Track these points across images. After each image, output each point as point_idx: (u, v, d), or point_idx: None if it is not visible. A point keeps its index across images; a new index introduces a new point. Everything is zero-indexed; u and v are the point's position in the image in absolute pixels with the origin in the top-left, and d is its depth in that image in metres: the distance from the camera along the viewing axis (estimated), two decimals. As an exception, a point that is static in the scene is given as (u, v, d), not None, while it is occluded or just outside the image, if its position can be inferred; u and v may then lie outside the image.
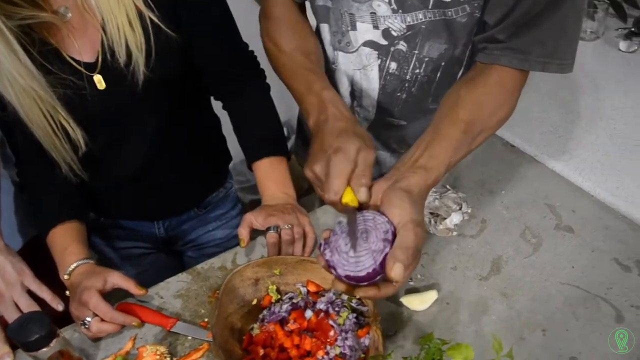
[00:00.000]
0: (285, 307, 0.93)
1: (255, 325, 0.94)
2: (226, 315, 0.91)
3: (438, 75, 1.11)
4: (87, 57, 1.02)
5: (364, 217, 0.76)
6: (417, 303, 0.98)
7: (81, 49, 1.02)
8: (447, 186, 1.18)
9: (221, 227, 1.41)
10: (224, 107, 1.24)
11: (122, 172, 1.17)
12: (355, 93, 1.18)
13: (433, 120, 0.90)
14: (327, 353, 0.85)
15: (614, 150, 1.23)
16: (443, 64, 1.08)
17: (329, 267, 0.75)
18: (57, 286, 1.05)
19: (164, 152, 1.18)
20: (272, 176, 1.17)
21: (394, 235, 0.73)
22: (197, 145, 1.26)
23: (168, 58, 1.05)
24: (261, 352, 0.87)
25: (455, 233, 1.10)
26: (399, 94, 1.15)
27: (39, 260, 1.09)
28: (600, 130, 1.29)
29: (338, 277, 0.75)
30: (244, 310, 0.95)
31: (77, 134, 1.03)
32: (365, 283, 0.73)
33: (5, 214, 1.18)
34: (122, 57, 1.00)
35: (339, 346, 0.85)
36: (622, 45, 1.54)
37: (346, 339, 0.86)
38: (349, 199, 0.78)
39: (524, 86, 0.94)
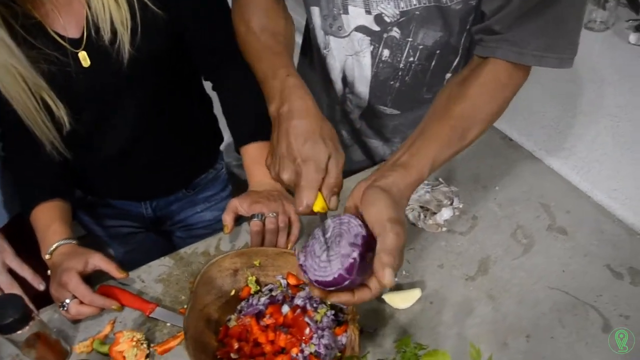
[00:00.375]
0: (263, 300, 0.92)
1: (233, 317, 0.92)
2: (202, 307, 0.89)
3: (433, 64, 1.07)
4: (72, 32, 0.99)
5: (340, 221, 0.74)
6: (400, 301, 0.96)
7: (66, 24, 0.99)
8: (440, 179, 1.15)
9: (210, 208, 1.39)
10: (214, 88, 1.21)
11: (107, 151, 1.15)
12: (348, 79, 1.14)
13: (423, 119, 0.87)
14: (301, 351, 0.83)
15: (614, 149, 1.19)
16: (438, 52, 1.04)
17: (302, 271, 0.74)
18: (41, 265, 1.04)
19: (150, 132, 1.15)
20: (260, 161, 1.13)
21: (365, 238, 0.71)
22: (186, 125, 1.23)
23: (154, 36, 1.01)
24: (236, 345, 0.86)
25: (444, 229, 1.08)
26: (392, 83, 1.11)
27: (24, 237, 1.08)
28: (602, 128, 1.24)
29: (310, 282, 0.73)
30: (221, 300, 0.93)
31: (61, 112, 1.01)
32: (333, 288, 0.71)
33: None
34: (107, 34, 0.97)
35: (314, 344, 0.83)
36: (632, 37, 1.48)
37: (322, 337, 0.84)
38: (319, 207, 0.77)
39: (522, 82, 0.90)
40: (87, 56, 1.00)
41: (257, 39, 0.95)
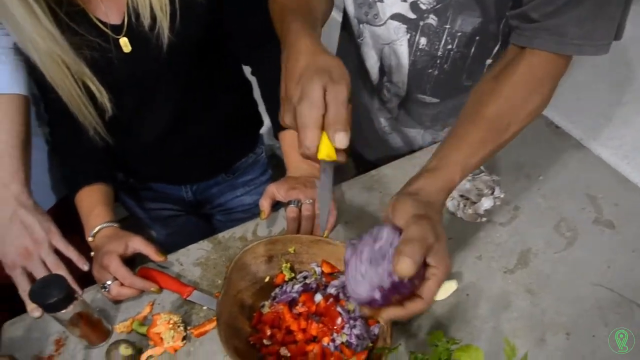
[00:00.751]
0: (296, 287, 0.92)
1: (267, 303, 0.93)
2: (236, 292, 0.90)
3: (472, 50, 1.03)
4: (114, 19, 1.01)
5: (388, 235, 0.72)
6: (435, 292, 0.94)
7: (107, 11, 1.00)
8: (482, 167, 1.12)
9: (249, 192, 1.40)
10: (252, 73, 1.21)
11: (148, 136, 1.17)
12: (385, 68, 1.12)
13: (457, 120, 0.84)
14: (333, 340, 0.83)
15: (669, 139, 1.12)
16: (477, 38, 1.00)
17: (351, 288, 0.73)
18: (86, 246, 1.08)
19: (189, 117, 1.17)
20: (296, 145, 1.13)
21: None
22: (225, 110, 1.23)
23: (193, 21, 1.02)
24: (268, 332, 0.87)
25: (484, 219, 1.05)
26: (430, 71, 1.08)
27: (70, 219, 1.11)
28: (657, 116, 1.18)
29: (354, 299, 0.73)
30: (255, 287, 0.94)
31: (104, 98, 1.03)
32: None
33: (39, 171, 1.20)
34: (146, 20, 0.98)
35: (346, 334, 0.83)
36: (697, 17, 1.38)
37: (354, 327, 0.84)
38: (324, 153, 0.71)
39: (563, 73, 0.86)
40: (128, 42, 1.02)
41: (281, 6, 0.90)
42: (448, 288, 0.94)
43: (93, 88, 1.01)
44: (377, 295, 0.69)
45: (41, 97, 1.16)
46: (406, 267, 0.66)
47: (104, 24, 1.00)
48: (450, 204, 1.07)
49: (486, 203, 1.06)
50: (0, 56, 1.05)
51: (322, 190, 0.78)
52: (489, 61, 1.07)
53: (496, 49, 1.03)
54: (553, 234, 1.01)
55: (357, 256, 0.72)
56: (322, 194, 0.81)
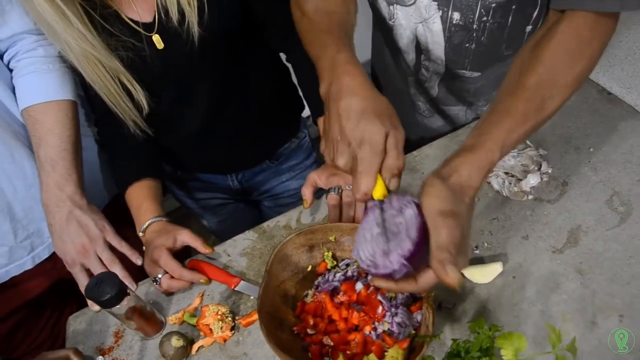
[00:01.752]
0: (338, 276, 0.92)
1: (310, 292, 0.94)
2: (278, 283, 0.92)
3: (510, 20, 0.98)
4: (145, 17, 1.03)
5: (397, 205, 0.72)
6: (480, 275, 0.93)
7: (139, 10, 1.03)
8: (527, 141, 1.08)
9: (295, 177, 1.41)
10: (287, 60, 1.21)
11: (189, 129, 1.19)
12: (421, 47, 1.08)
13: (495, 96, 0.80)
14: (374, 329, 0.84)
15: None
16: (514, 7, 0.95)
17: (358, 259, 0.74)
18: (138, 241, 1.13)
19: (229, 107, 1.18)
20: None
21: (420, 231, 0.68)
22: (263, 97, 1.24)
23: (222, 14, 1.03)
24: (311, 321, 0.88)
25: (530, 197, 1.01)
26: (467, 45, 1.03)
27: (124, 214, 1.16)
28: None
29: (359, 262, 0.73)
30: (298, 276, 0.95)
31: (140, 95, 1.06)
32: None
33: (92, 171, 1.26)
34: (175, 15, 1.00)
35: (387, 322, 0.83)
36: None
37: (395, 314, 0.84)
38: (380, 193, 0.72)
39: (611, 33, 0.80)
40: (160, 39, 1.04)
41: (310, 22, 0.89)
42: (493, 271, 0.92)
43: (129, 86, 1.04)
44: (380, 269, 0.70)
45: (87, 98, 1.21)
46: (454, 273, 0.65)
47: (136, 23, 1.02)
48: (494, 182, 1.04)
49: (532, 179, 1.02)
50: (48, 65, 1.09)
51: (368, 225, 0.76)
52: (529, 28, 1.01)
53: (535, 14, 0.98)
54: (605, 209, 0.97)
55: (372, 222, 0.73)
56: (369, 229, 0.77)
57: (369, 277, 0.74)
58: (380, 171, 0.72)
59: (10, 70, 1.11)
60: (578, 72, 0.78)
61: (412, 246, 0.67)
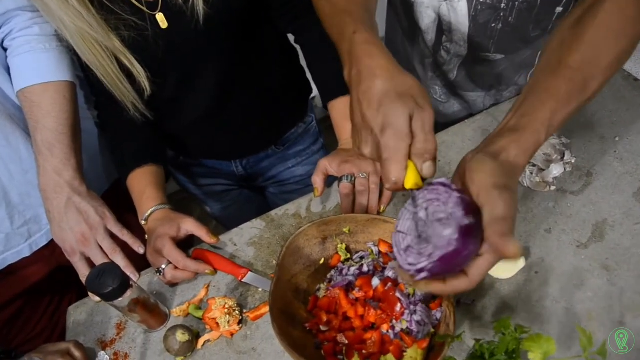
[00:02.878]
0: (352, 269, 0.88)
1: (322, 286, 0.90)
2: (290, 277, 0.87)
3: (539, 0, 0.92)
4: None
5: (435, 194, 0.65)
6: (501, 270, 0.88)
7: None
8: (550, 130, 1.03)
9: (301, 163, 1.36)
10: (296, 42, 1.15)
11: (193, 113, 1.14)
12: (444, 27, 1.02)
13: (534, 73, 0.74)
14: (392, 327, 0.80)
15: None
16: None
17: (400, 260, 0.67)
18: (141, 228, 1.08)
19: (234, 91, 1.13)
20: (347, 115, 1.07)
21: (466, 217, 0.61)
22: (270, 80, 1.19)
23: None
24: (325, 318, 0.84)
25: (553, 188, 0.97)
26: (493, 25, 0.98)
27: (125, 200, 1.11)
28: None
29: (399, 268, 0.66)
30: (310, 270, 0.91)
31: (142, 77, 1.00)
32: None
33: (92, 155, 1.21)
34: None
35: (406, 321, 0.79)
36: None
37: (414, 312, 0.79)
38: (412, 182, 0.66)
39: None
40: (164, 18, 0.98)
41: (328, 1, 0.83)
42: (514, 266, 0.88)
43: (130, 67, 0.99)
44: (423, 266, 0.63)
45: (86, 80, 1.15)
46: (515, 246, 0.58)
47: (139, 0, 0.96)
48: (514, 171, 0.99)
49: (555, 170, 0.97)
50: (44, 44, 1.04)
51: (405, 222, 0.70)
52: (559, 9, 0.96)
53: None
54: (632, 202, 0.92)
55: (410, 220, 0.67)
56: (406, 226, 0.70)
57: (400, 279, 0.67)
58: (410, 158, 0.66)
59: (5, 50, 1.06)
60: (621, 52, 0.73)
61: (458, 240, 0.60)
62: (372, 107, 0.67)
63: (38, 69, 1.03)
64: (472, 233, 0.61)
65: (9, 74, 1.06)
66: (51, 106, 1.03)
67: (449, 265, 0.62)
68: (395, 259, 0.67)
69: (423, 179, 0.67)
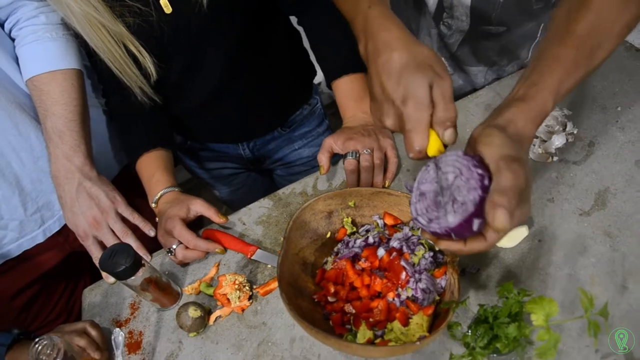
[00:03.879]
0: (358, 242, 0.90)
1: (329, 259, 0.92)
2: (297, 251, 0.89)
3: None
4: None
5: (456, 161, 0.67)
6: (505, 239, 0.88)
7: None
8: (551, 102, 1.03)
9: (308, 145, 1.37)
10: (299, 23, 1.16)
11: (199, 97, 1.16)
12: (444, 3, 1.03)
13: (541, 43, 0.75)
14: (398, 295, 0.81)
15: None
16: None
17: (414, 217, 0.69)
18: (151, 212, 1.10)
19: (239, 73, 1.14)
20: (352, 95, 1.09)
21: (484, 184, 0.63)
22: (274, 63, 1.20)
23: None
24: (332, 289, 0.86)
25: (555, 158, 0.98)
26: None
27: (135, 185, 1.14)
28: None
29: (421, 228, 0.69)
30: (317, 243, 0.93)
31: (148, 63, 1.02)
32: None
33: (101, 142, 1.23)
34: None
35: (411, 289, 0.81)
36: None
37: (419, 280, 0.81)
38: (434, 149, 0.68)
39: None
40: (168, 2, 0.99)
41: None
42: (518, 235, 0.88)
43: (136, 53, 1.00)
44: (444, 232, 0.66)
45: (93, 68, 1.17)
46: (504, 220, 0.61)
47: None
48: (517, 144, 1.00)
49: (557, 140, 0.98)
50: (51, 32, 1.05)
51: (426, 187, 0.71)
52: None
53: None
54: (634, 170, 0.93)
55: (430, 184, 0.69)
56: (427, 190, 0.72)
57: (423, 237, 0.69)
58: (432, 126, 0.68)
59: (13, 40, 1.08)
60: (628, 20, 0.73)
61: (476, 202, 0.63)
62: (392, 79, 0.69)
63: (46, 58, 1.05)
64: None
65: (18, 64, 1.08)
66: (60, 94, 1.05)
67: (466, 229, 0.64)
68: (417, 219, 0.69)
69: (445, 146, 0.69)
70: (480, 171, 0.63)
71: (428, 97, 0.67)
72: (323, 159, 1.03)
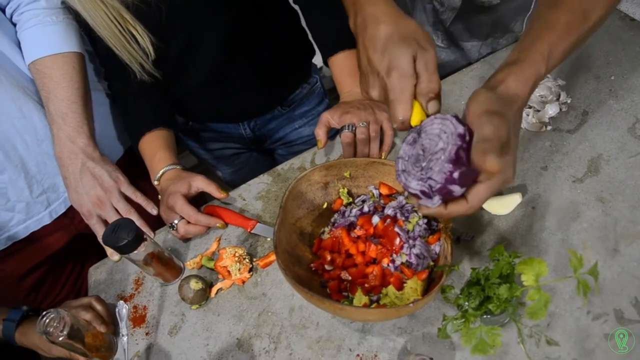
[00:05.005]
0: (354, 211, 0.91)
1: (326, 229, 0.93)
2: (294, 221, 0.91)
3: None
4: None
5: (438, 123, 0.67)
6: (498, 206, 0.90)
7: None
8: (545, 73, 1.04)
9: (308, 124, 1.38)
10: (294, 2, 1.17)
11: (198, 76, 1.17)
12: None
13: (534, 11, 0.75)
14: (392, 261, 0.83)
15: None
16: None
17: (400, 180, 0.70)
18: (153, 191, 1.12)
19: (237, 53, 1.15)
20: (348, 71, 1.10)
21: (465, 143, 0.64)
22: (273, 42, 1.21)
23: None
24: (328, 257, 0.88)
25: (549, 127, 0.99)
26: None
27: (139, 166, 1.16)
28: None
29: (407, 191, 0.69)
30: (314, 214, 0.94)
31: (146, 41, 1.03)
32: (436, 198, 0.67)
33: (104, 125, 1.25)
34: None
35: (405, 254, 0.82)
36: None
37: (413, 246, 0.83)
38: (418, 119, 0.69)
39: None
40: None
41: None
42: (511, 202, 0.90)
43: (135, 33, 1.02)
44: (426, 189, 0.66)
45: (94, 51, 1.19)
46: (494, 160, 0.61)
47: None
48: (511, 115, 1.01)
49: (551, 110, 0.99)
50: (51, 17, 1.07)
51: (408, 152, 0.72)
52: None
53: None
54: (627, 137, 0.94)
55: (412, 146, 0.70)
56: (409, 155, 0.73)
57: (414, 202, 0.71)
58: (416, 98, 0.69)
59: (14, 25, 1.10)
60: None
61: (456, 162, 0.63)
62: (377, 51, 0.70)
63: (47, 42, 1.07)
64: (469, 159, 0.64)
65: (20, 48, 1.10)
66: (61, 77, 1.07)
67: (448, 185, 0.64)
68: (400, 179, 0.71)
69: (428, 117, 0.70)
70: (461, 127, 0.64)
71: (411, 68, 0.68)
72: (320, 133, 1.04)
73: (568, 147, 0.95)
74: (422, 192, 0.67)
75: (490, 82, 0.69)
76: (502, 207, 0.91)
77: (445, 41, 1.19)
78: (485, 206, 0.91)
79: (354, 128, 1.02)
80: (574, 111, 0.99)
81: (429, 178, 0.66)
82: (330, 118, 1.05)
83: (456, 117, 0.66)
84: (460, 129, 0.64)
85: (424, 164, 0.68)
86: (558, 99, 1.00)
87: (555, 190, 0.91)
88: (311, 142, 1.40)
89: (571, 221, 0.86)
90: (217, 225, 1.04)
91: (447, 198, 0.66)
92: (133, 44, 1.03)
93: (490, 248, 0.86)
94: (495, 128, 0.63)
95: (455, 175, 0.63)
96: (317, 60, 1.37)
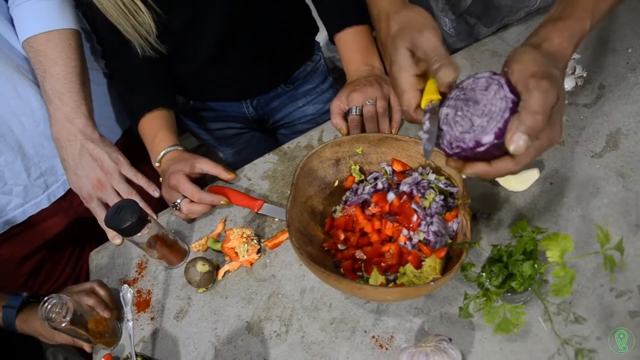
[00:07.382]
0: (367, 189, 0.88)
1: (338, 208, 0.91)
2: (305, 199, 0.88)
3: None
4: None
5: (480, 79, 0.65)
6: (516, 183, 0.88)
7: None
8: (560, 47, 1.01)
9: (311, 102, 1.35)
10: (298, -23, 1.13)
11: (201, 53, 1.13)
12: None
13: None
14: (409, 239, 0.80)
15: None
16: None
17: (430, 138, 0.67)
18: (157, 173, 1.09)
19: (242, 29, 1.11)
20: (354, 48, 1.07)
21: (511, 99, 0.61)
22: (277, 18, 1.17)
23: None
24: (342, 236, 0.85)
25: (565, 102, 0.95)
26: None
27: (138, 148, 1.12)
28: None
29: (443, 151, 0.67)
30: (325, 192, 0.91)
31: (147, 17, 0.99)
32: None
33: (101, 105, 1.21)
34: None
35: (423, 232, 0.80)
36: None
37: (431, 224, 0.80)
38: (427, 100, 0.68)
39: None
40: None
41: None
42: (529, 177, 0.88)
43: (135, 8, 0.98)
44: (469, 148, 0.63)
45: (91, 29, 1.15)
46: (519, 143, 0.59)
47: None
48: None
49: (567, 84, 0.96)
50: None
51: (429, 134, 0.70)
52: None
53: None
54: (646, 110, 0.91)
55: (457, 101, 0.67)
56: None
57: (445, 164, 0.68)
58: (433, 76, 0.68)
59: (6, 1, 1.05)
60: None
61: (505, 118, 0.60)
62: (383, 48, 0.76)
63: (41, 18, 1.03)
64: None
65: (13, 25, 1.06)
66: (57, 54, 1.03)
67: (496, 146, 0.62)
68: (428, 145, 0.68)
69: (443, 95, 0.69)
70: (511, 95, 0.61)
71: (407, 60, 0.70)
72: (338, 122, 1.02)
73: (585, 122, 0.92)
74: (466, 153, 0.64)
75: (532, 39, 0.66)
76: (520, 183, 0.89)
77: (453, 29, 1.16)
78: (502, 182, 0.89)
79: (360, 110, 0.99)
80: (590, 85, 0.96)
81: (476, 139, 0.63)
82: (340, 104, 1.02)
83: (506, 79, 0.63)
84: (512, 96, 0.61)
85: (463, 123, 0.65)
86: (573, 73, 0.97)
87: (574, 165, 0.88)
88: (315, 120, 1.37)
89: (591, 197, 0.84)
90: (221, 202, 1.00)
91: (483, 157, 0.64)
92: (138, 17, 0.99)
93: (509, 225, 0.84)
94: (544, 95, 0.59)
95: (493, 143, 0.62)
96: (320, 38, 1.34)
